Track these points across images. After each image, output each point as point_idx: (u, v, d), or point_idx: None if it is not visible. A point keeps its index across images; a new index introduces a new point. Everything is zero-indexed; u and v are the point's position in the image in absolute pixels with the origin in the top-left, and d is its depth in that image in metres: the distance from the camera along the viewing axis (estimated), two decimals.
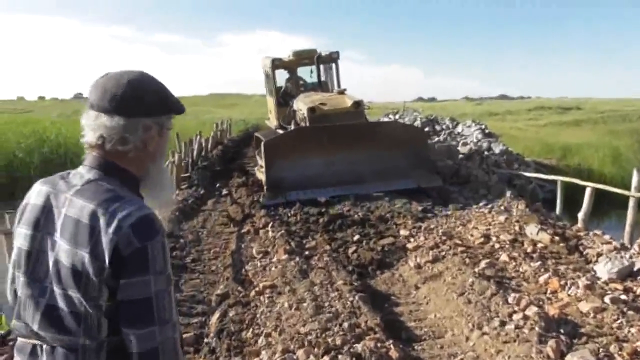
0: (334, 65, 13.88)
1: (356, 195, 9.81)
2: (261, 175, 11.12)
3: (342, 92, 12.35)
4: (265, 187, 10.32)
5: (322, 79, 14.23)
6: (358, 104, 11.35)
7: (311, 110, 11.08)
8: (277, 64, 13.76)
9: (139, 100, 1.40)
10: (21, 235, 1.40)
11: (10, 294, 1.45)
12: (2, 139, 18.28)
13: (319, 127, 10.72)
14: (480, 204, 9.31)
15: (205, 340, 4.40)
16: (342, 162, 10.31)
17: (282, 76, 14.41)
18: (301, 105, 11.77)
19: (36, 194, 1.43)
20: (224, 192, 11.37)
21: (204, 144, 16.09)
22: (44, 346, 1.36)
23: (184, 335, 4.50)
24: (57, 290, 1.33)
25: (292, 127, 12.21)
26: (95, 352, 1.34)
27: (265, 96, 15.28)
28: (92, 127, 1.41)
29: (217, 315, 4.80)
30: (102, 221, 1.29)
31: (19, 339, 1.42)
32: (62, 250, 1.33)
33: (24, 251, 1.39)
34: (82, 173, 1.42)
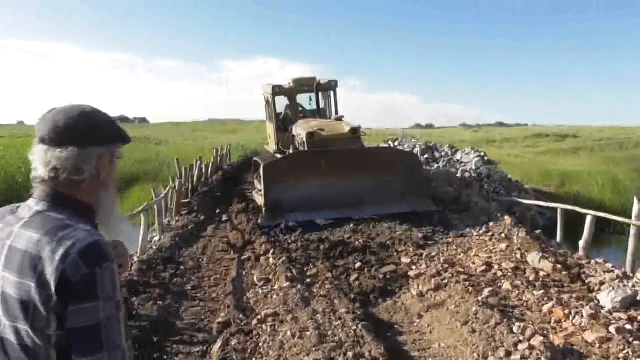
0: (332, 92, 14.35)
1: (356, 222, 9.85)
2: (260, 198, 11.31)
3: (339, 119, 12.82)
4: (263, 209, 10.49)
5: (321, 106, 14.59)
6: (355, 130, 11.74)
7: (310, 135, 11.42)
8: (277, 91, 14.16)
9: (94, 130, 1.43)
10: None
11: None
12: (2, 162, 18.28)
13: (317, 151, 11.01)
14: (481, 230, 9.31)
15: None
16: (339, 186, 10.55)
17: (281, 103, 14.77)
18: (300, 130, 12.10)
19: None
20: (224, 218, 11.36)
21: (204, 170, 16.11)
22: None
23: None
24: (6, 323, 1.33)
25: (291, 151, 12.48)
26: None
27: (265, 122, 15.62)
28: (44, 160, 1.41)
29: (219, 344, 4.75)
30: (47, 249, 1.30)
31: None
32: (8, 283, 1.32)
33: None
34: (31, 205, 1.42)
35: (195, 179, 14.59)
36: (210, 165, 17.66)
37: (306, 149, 11.45)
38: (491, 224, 9.68)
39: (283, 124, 14.20)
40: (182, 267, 7.68)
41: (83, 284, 1.28)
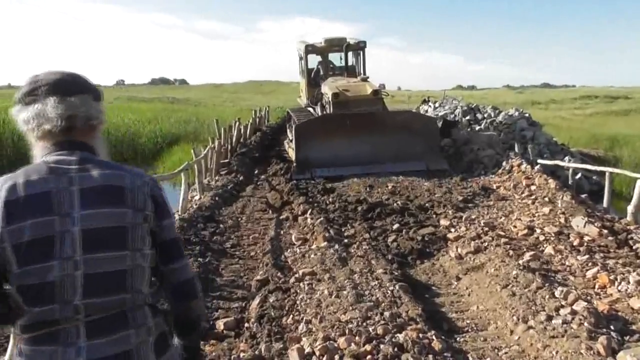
0: (361, 52, 15.53)
1: (394, 184, 9.84)
2: (291, 151, 12.64)
3: (365, 80, 13.84)
4: (294, 164, 11.88)
5: (351, 64, 15.81)
6: (377, 92, 12.93)
7: (335, 95, 12.65)
8: (309, 49, 15.56)
9: (96, 87, 1.59)
10: (27, 227, 1.36)
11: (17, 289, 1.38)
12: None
13: (342, 114, 12.19)
14: (524, 194, 9.08)
15: (246, 325, 4.43)
16: (361, 145, 11.64)
17: (314, 59, 16.07)
18: (327, 89, 13.32)
19: (24, 187, 1.40)
20: (262, 178, 11.46)
21: (242, 131, 16.19)
22: (83, 324, 1.38)
23: (225, 320, 4.56)
24: (94, 256, 1.40)
25: (319, 107, 13.98)
26: (142, 309, 1.47)
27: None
28: (62, 110, 1.46)
29: (257, 300, 4.83)
30: (128, 181, 1.48)
31: (41, 331, 1.39)
32: (94, 218, 1.41)
33: (41, 239, 1.37)
34: (64, 157, 1.47)
35: (234, 139, 14.69)
36: (249, 126, 17.73)
37: (331, 107, 12.71)
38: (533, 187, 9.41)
39: (314, 80, 15.39)
40: (221, 225, 7.81)
41: (165, 203, 1.56)
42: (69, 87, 1.49)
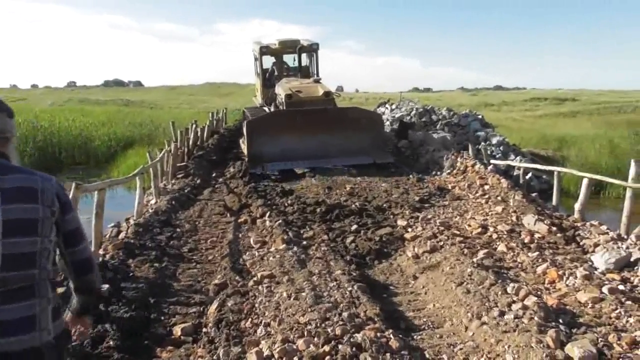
0: (314, 54, 16.25)
1: (353, 186, 9.92)
2: (244, 147, 13.11)
3: (317, 81, 14.40)
4: (246, 159, 12.42)
5: (305, 64, 16.42)
6: (328, 94, 13.51)
7: (288, 96, 13.17)
8: (264, 50, 16.20)
9: (8, 107, 2.01)
10: None
11: None
12: None
13: (293, 110, 12.73)
14: (477, 194, 9.32)
15: (204, 330, 4.37)
16: (312, 141, 12.21)
17: (269, 61, 16.78)
18: (281, 90, 13.91)
19: None
20: (220, 181, 11.34)
21: (199, 133, 15.98)
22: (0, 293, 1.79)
23: (183, 325, 4.49)
24: (11, 241, 1.80)
25: (273, 107, 14.54)
26: (45, 283, 1.90)
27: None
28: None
29: (215, 305, 4.77)
30: (39, 183, 1.92)
31: None
32: (11, 211, 1.81)
33: None
34: None
35: (191, 142, 14.48)
36: (206, 128, 17.51)
37: (284, 107, 13.20)
38: (486, 187, 9.67)
39: (269, 80, 15.94)
40: (178, 229, 7.69)
41: (69, 202, 2.04)
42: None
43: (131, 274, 5.61)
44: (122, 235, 7.15)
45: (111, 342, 4.01)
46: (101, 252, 6.31)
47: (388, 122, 17.47)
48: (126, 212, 9.25)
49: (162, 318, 4.74)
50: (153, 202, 9.40)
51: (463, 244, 6.28)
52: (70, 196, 5.77)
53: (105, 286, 4.99)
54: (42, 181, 1.93)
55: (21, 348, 1.82)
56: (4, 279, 1.79)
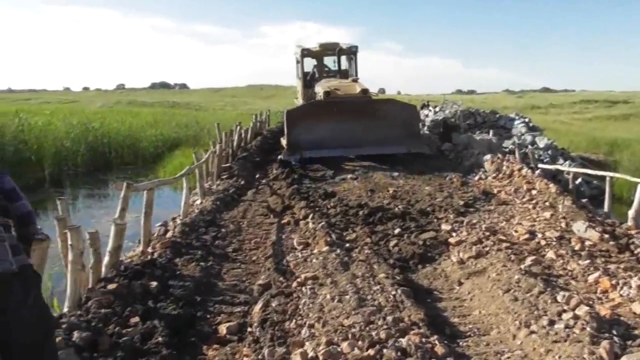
0: (353, 56, 16.89)
1: (395, 189, 9.88)
2: (284, 141, 13.68)
3: (355, 80, 14.96)
4: (285, 147, 13.17)
5: (344, 67, 17.16)
6: (365, 91, 13.95)
7: (326, 94, 13.74)
8: (305, 53, 16.90)
9: None
10: None
11: None
12: (52, 128, 18.85)
13: (329, 101, 13.43)
14: (524, 198, 9.10)
15: (249, 329, 4.44)
16: (347, 130, 12.73)
17: (311, 63, 17.62)
18: (319, 89, 14.60)
19: None
20: (263, 182, 11.47)
21: (243, 135, 16.21)
22: None
23: (228, 324, 4.57)
24: None
25: None
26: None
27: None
28: None
29: (259, 305, 4.83)
30: None
31: None
32: None
33: None
34: None
35: (235, 144, 14.71)
36: (250, 130, 17.75)
37: None
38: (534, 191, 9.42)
39: (309, 82, 16.58)
40: (223, 230, 7.82)
41: (16, 192, 2.63)
42: None
43: (178, 273, 5.74)
44: (169, 234, 7.33)
45: (159, 338, 4.11)
46: (150, 250, 6.49)
47: (430, 125, 17.27)
48: (172, 211, 9.47)
49: (208, 316, 4.83)
50: (198, 202, 9.59)
51: (510, 250, 6.14)
52: (122, 195, 5.98)
53: (154, 283, 5.13)
54: None
55: None
56: None
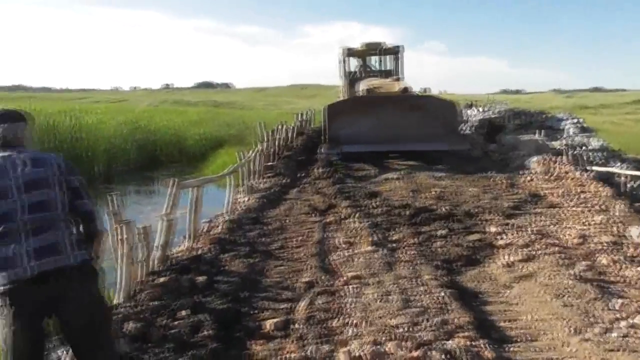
0: (398, 56, 17.14)
1: (440, 190, 9.75)
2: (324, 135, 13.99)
3: (397, 79, 15.29)
4: (326, 141, 13.41)
5: (388, 67, 17.36)
6: (406, 89, 14.08)
7: (367, 91, 14.04)
8: (349, 52, 17.25)
9: (24, 117, 2.84)
10: None
11: None
12: (103, 126, 19.51)
13: (370, 96, 13.74)
14: (575, 202, 8.80)
15: (294, 326, 4.46)
16: (387, 126, 12.75)
17: (354, 63, 17.90)
18: (361, 87, 14.85)
19: None
20: (307, 181, 11.53)
21: (287, 134, 16.34)
22: (29, 228, 2.48)
23: (273, 320, 4.61)
24: (31, 193, 2.53)
25: None
26: (62, 221, 2.58)
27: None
28: (10, 130, 2.70)
29: (304, 302, 4.86)
30: (47, 156, 2.71)
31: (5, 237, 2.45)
32: (29, 174, 2.55)
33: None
34: (9, 151, 2.64)
35: (278, 142, 14.84)
36: (293, 129, 17.86)
37: None
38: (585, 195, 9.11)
39: (353, 81, 16.60)
40: (267, 227, 7.90)
41: (70, 166, 2.75)
42: (19, 117, 2.80)
43: (224, 268, 5.84)
44: (215, 230, 7.46)
45: (207, 332, 4.19)
46: (196, 245, 6.63)
47: (475, 125, 16.97)
48: (216, 208, 9.63)
49: (253, 312, 4.89)
50: (243, 199, 9.73)
51: (560, 255, 5.96)
52: (170, 192, 6.13)
53: (201, 278, 5.25)
54: (49, 155, 2.73)
55: (52, 268, 2.44)
56: (30, 219, 2.49)
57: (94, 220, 2.80)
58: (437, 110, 13.29)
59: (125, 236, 4.72)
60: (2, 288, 2.41)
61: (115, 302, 4.84)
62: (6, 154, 2.63)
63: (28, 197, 2.52)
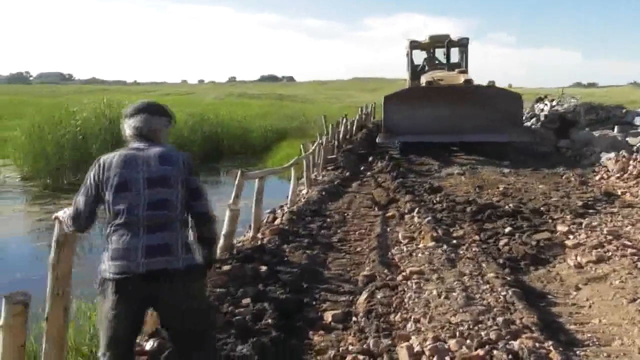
0: (464, 49, 16.82)
1: (506, 186, 9.47)
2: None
3: (462, 72, 14.90)
4: (383, 130, 13.46)
5: (455, 60, 16.95)
6: (469, 81, 13.77)
7: (428, 83, 13.91)
8: (414, 45, 17.16)
9: (168, 111, 2.86)
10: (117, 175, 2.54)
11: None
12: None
13: (429, 87, 13.59)
14: None
15: (354, 319, 4.48)
16: (446, 116, 12.59)
17: (421, 56, 17.78)
18: (424, 79, 14.85)
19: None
20: (368, 174, 11.51)
21: (348, 127, 16.35)
22: (145, 224, 2.48)
23: (333, 312, 4.66)
24: (154, 190, 2.51)
25: None
26: (176, 221, 2.54)
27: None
28: (149, 123, 2.70)
29: (364, 295, 4.87)
30: (173, 154, 2.65)
31: (123, 228, 2.48)
32: (153, 172, 2.54)
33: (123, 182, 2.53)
34: (140, 144, 2.65)
35: (340, 136, 14.88)
36: (355, 123, 17.85)
37: None
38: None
39: (418, 74, 16.51)
40: (328, 220, 7.96)
41: (192, 167, 2.69)
42: (161, 111, 2.82)
43: (286, 259, 5.95)
44: (277, 221, 7.60)
45: (269, 320, 4.29)
46: (259, 235, 6.78)
47: (544, 120, 16.30)
48: (278, 199, 9.80)
49: (314, 303, 4.95)
50: (305, 191, 9.85)
51: (636, 257, 5.63)
52: (236, 182, 6.30)
53: (264, 268, 5.37)
54: (175, 152, 2.67)
55: (161, 267, 2.44)
56: (148, 216, 2.48)
57: (211, 222, 2.71)
58: (500, 102, 12.92)
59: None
60: (112, 275, 2.44)
61: None
62: (139, 145, 2.62)
63: (150, 194, 2.50)
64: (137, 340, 3.80)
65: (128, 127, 2.70)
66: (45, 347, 2.98)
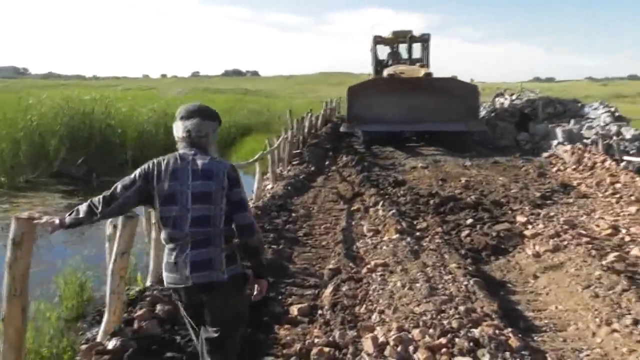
0: (426, 44, 17.31)
1: (468, 178, 9.66)
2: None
3: (423, 66, 15.88)
4: (347, 120, 14.18)
5: (418, 55, 17.55)
6: (429, 74, 14.51)
7: (390, 76, 14.70)
8: (378, 40, 17.61)
9: (217, 115, 2.81)
10: (166, 186, 2.61)
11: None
12: (135, 113, 19.81)
13: (390, 78, 14.36)
14: (607, 192, 8.63)
15: (320, 312, 4.52)
16: (406, 107, 13.25)
17: (385, 51, 18.29)
18: (386, 72, 15.58)
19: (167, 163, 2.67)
20: (333, 169, 11.56)
21: (314, 122, 16.37)
22: (190, 241, 2.57)
23: (299, 306, 4.68)
24: (195, 207, 2.56)
25: None
26: (218, 236, 2.60)
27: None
28: (197, 127, 2.68)
29: (330, 288, 4.91)
30: (215, 166, 2.62)
31: (172, 242, 2.63)
32: (197, 186, 2.57)
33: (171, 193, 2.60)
34: (187, 152, 2.67)
35: (305, 130, 14.89)
36: (320, 117, 17.88)
37: None
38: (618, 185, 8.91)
39: (381, 69, 16.97)
40: (294, 214, 7.98)
41: (235, 179, 2.64)
42: (208, 115, 2.75)
43: None
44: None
45: None
46: None
47: (505, 114, 16.69)
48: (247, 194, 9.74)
49: (280, 298, 4.97)
50: (270, 187, 9.82)
51: (590, 245, 5.85)
52: None
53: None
54: (218, 164, 2.64)
55: (204, 281, 2.59)
56: (192, 233, 2.57)
57: (255, 233, 2.72)
58: (457, 94, 13.51)
59: (155, 220, 4.83)
60: (167, 285, 2.71)
61: (146, 284, 4.98)
62: (187, 153, 2.65)
63: (194, 209, 2.57)
64: (100, 340, 3.76)
65: (178, 129, 2.71)
66: (2, 348, 2.90)
